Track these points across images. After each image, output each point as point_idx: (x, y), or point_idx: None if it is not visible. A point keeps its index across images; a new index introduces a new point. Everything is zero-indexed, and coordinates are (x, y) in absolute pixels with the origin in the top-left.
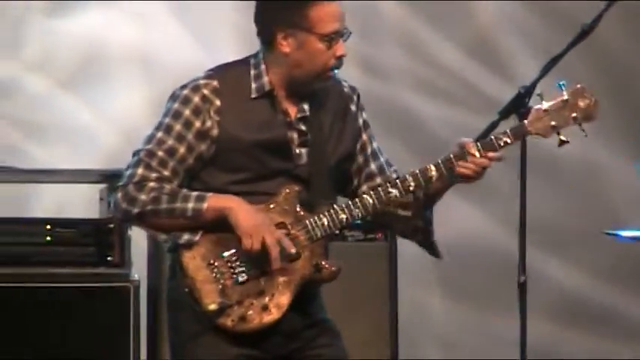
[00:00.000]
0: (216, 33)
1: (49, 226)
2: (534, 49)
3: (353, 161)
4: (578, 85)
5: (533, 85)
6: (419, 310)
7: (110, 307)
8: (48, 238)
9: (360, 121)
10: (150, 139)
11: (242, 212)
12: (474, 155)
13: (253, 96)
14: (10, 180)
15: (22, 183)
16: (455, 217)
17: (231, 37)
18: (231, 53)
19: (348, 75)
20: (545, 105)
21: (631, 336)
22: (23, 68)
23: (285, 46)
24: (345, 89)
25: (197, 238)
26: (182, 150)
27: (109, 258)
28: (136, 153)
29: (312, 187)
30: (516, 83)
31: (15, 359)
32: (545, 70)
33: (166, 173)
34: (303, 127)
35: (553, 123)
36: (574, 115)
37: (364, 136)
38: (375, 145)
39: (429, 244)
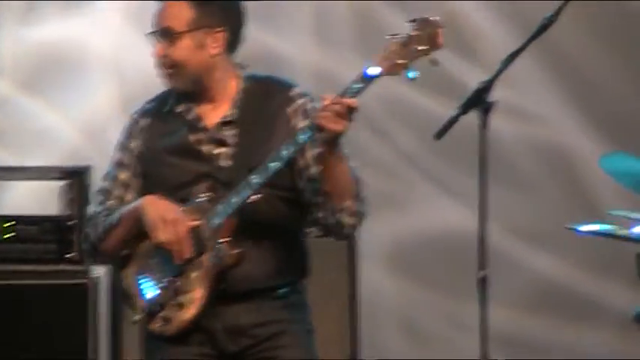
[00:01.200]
0: None
1: (9, 223)
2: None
3: (291, 164)
4: (424, 17)
5: (493, 80)
6: (380, 304)
7: (70, 304)
8: (7, 236)
9: (298, 122)
10: (101, 179)
11: (149, 207)
12: (326, 102)
13: (166, 109)
14: None
15: None
16: (430, 209)
17: None
18: None
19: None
20: (392, 41)
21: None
22: None
23: None
24: (291, 93)
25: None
26: (123, 175)
27: (69, 255)
28: (93, 195)
29: (232, 188)
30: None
31: None
32: (505, 65)
33: (111, 202)
34: (224, 132)
35: (400, 61)
36: (421, 47)
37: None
38: (315, 150)
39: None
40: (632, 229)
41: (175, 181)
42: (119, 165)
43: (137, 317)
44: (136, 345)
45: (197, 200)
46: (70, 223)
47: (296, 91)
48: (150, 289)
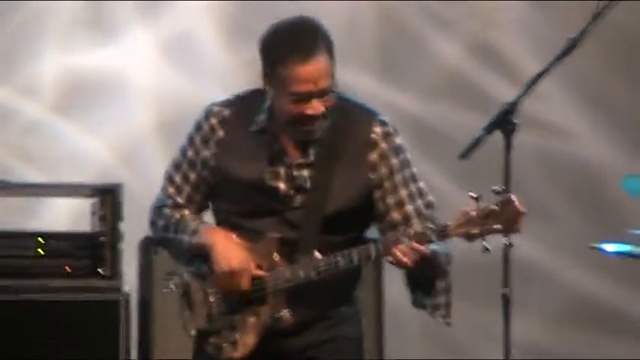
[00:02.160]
0: (200, 63)
1: (42, 239)
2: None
3: (373, 209)
4: (508, 196)
5: (517, 101)
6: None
7: (101, 319)
8: (41, 251)
9: (382, 169)
10: (173, 161)
11: (221, 252)
12: (401, 241)
13: (252, 129)
14: (5, 194)
15: (17, 197)
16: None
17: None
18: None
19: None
20: (473, 212)
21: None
22: (17, 94)
23: (269, 90)
24: (373, 135)
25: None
26: (193, 176)
27: (100, 270)
28: (165, 171)
29: (300, 233)
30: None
31: None
32: (529, 86)
33: (180, 200)
34: (304, 173)
35: (474, 231)
36: (496, 226)
37: (386, 185)
38: (403, 192)
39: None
40: None
41: (242, 209)
42: (190, 164)
43: (192, 333)
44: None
45: (265, 239)
46: (101, 239)
47: (378, 130)
48: (216, 310)
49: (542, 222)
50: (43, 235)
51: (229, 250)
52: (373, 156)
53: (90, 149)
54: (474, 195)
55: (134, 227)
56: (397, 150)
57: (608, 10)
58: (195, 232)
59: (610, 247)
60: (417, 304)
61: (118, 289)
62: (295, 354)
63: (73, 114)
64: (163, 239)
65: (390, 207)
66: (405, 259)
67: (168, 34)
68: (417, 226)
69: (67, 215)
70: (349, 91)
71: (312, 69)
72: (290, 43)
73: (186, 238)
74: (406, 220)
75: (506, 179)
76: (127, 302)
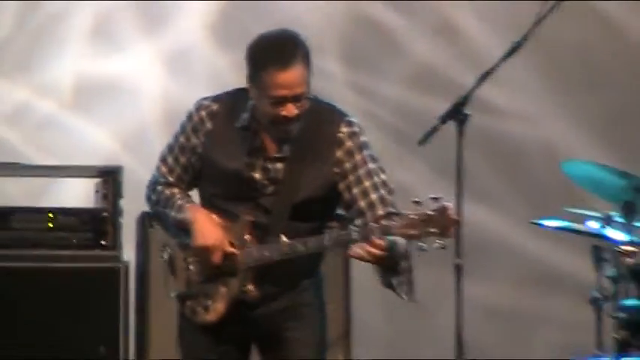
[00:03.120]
0: (193, 66)
1: (52, 214)
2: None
3: (340, 198)
4: (444, 204)
5: (469, 95)
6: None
7: (104, 285)
8: (51, 225)
9: (347, 164)
10: (167, 144)
11: (199, 229)
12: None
13: (237, 125)
14: (20, 174)
15: (31, 177)
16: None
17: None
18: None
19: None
20: (413, 215)
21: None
22: (35, 92)
23: (251, 92)
24: (340, 134)
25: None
26: (183, 160)
27: (102, 242)
28: (160, 154)
29: (271, 217)
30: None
31: (16, 333)
32: (480, 81)
33: (171, 179)
34: (278, 165)
35: (413, 232)
36: (433, 230)
37: (350, 178)
38: (367, 183)
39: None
40: (587, 224)
41: (223, 193)
42: (181, 149)
43: (172, 294)
44: (160, 321)
45: (240, 221)
46: (104, 214)
47: (344, 129)
48: (194, 277)
49: (490, 202)
50: (53, 210)
51: (207, 228)
52: (339, 153)
53: (96, 139)
54: (417, 200)
55: (133, 205)
56: (361, 147)
57: (551, 12)
58: (180, 208)
59: (548, 223)
60: (385, 284)
61: (118, 259)
62: (260, 320)
63: (83, 110)
64: (156, 212)
65: (355, 197)
66: (367, 257)
67: (168, 43)
68: (380, 212)
69: (74, 193)
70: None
71: (288, 76)
72: (271, 52)
73: (172, 213)
74: (371, 207)
75: (459, 165)
76: (127, 270)
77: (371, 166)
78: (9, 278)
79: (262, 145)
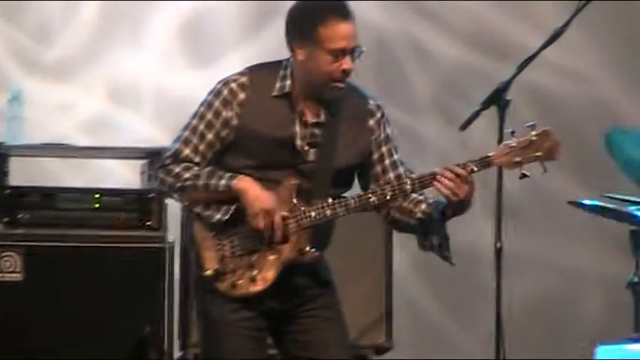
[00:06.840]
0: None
1: (98, 195)
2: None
3: (367, 169)
4: (545, 128)
5: (510, 81)
6: (415, 273)
7: (149, 264)
8: (97, 205)
9: (380, 135)
10: (187, 125)
11: (249, 193)
12: (442, 173)
13: (274, 94)
14: (69, 155)
15: (80, 159)
16: None
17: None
18: None
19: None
20: (513, 142)
21: None
22: (85, 89)
23: (300, 54)
24: (369, 106)
25: (226, 217)
26: (210, 136)
27: (148, 223)
28: (176, 138)
29: (313, 183)
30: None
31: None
32: (520, 69)
33: (197, 159)
34: (316, 131)
35: (517, 159)
36: (537, 154)
37: (383, 149)
38: (395, 157)
39: (441, 257)
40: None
41: (261, 162)
42: (208, 125)
43: (209, 272)
44: None
45: (285, 186)
46: (149, 195)
47: (372, 102)
48: (228, 253)
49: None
50: (100, 191)
51: (262, 193)
52: (371, 122)
53: (142, 126)
54: (510, 129)
55: None
56: (388, 122)
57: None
58: (232, 177)
59: (588, 202)
60: (426, 246)
61: (162, 239)
62: (301, 290)
63: (128, 104)
64: (192, 186)
65: (387, 167)
66: (449, 184)
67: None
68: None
69: (120, 174)
70: None
71: (349, 28)
72: (329, 7)
73: (223, 182)
74: (398, 178)
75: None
76: (172, 250)
77: (395, 143)
78: (55, 258)
79: (302, 112)
